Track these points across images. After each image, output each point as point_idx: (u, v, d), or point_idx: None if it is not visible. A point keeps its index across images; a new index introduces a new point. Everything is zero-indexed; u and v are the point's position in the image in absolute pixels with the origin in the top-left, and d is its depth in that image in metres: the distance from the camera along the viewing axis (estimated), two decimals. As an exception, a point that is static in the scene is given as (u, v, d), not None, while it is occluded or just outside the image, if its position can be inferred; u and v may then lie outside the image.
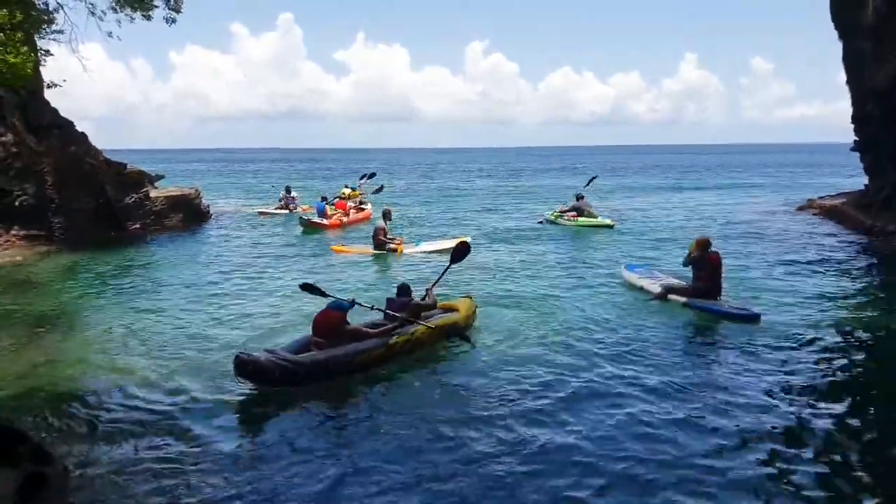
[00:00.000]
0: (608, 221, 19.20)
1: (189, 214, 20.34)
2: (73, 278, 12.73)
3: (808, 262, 13.32)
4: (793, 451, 5.31)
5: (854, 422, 5.93)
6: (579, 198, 20.05)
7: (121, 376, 7.06)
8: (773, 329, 8.51)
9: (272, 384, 6.44)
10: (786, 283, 11.41)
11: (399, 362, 7.32)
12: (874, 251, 14.73)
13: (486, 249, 15.66)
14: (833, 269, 12.76)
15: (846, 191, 23.08)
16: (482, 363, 7.40)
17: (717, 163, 77.29)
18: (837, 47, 19.03)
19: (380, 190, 26.36)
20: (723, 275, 9.78)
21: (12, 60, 12.22)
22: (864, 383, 7.08)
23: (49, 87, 18.39)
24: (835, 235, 17.15)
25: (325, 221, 19.84)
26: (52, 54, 18.69)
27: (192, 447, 5.40)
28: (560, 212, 20.16)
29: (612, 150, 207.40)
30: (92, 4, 17.70)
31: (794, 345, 7.96)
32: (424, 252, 14.98)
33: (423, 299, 8.38)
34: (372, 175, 27.83)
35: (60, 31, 17.98)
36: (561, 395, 6.43)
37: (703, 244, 9.79)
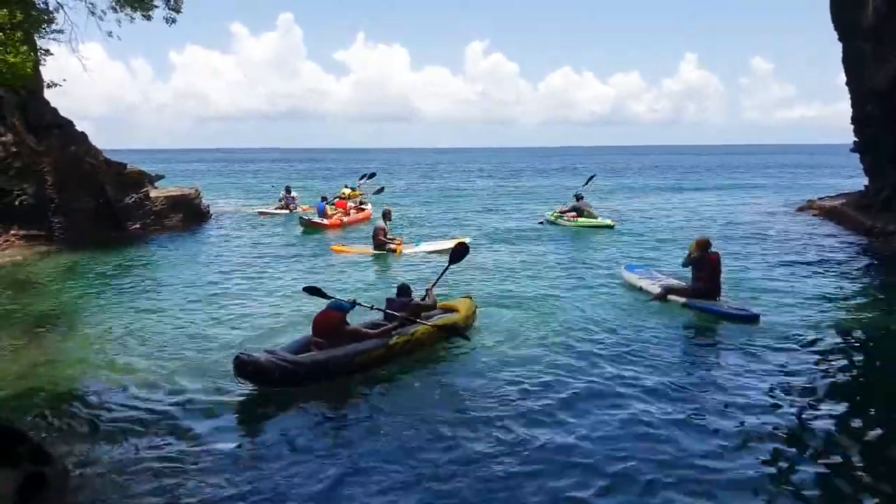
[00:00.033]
0: (608, 222, 19.20)
1: (189, 214, 20.34)
2: (73, 278, 12.73)
3: (808, 263, 13.32)
4: (792, 451, 5.32)
5: (854, 422, 5.93)
6: (579, 198, 20.06)
7: (121, 376, 7.06)
8: (773, 329, 8.51)
9: (272, 384, 6.44)
10: (786, 283, 11.41)
11: (399, 363, 7.32)
12: (874, 252, 14.73)
13: (487, 250, 15.67)
14: (833, 269, 12.76)
15: (846, 192, 23.08)
16: (482, 363, 7.40)
17: (717, 163, 77.30)
18: (837, 48, 19.05)
19: (381, 191, 26.38)
20: (722, 275, 9.79)
21: (12, 60, 12.22)
22: (864, 384, 7.09)
23: (49, 86, 18.40)
24: (835, 236, 17.15)
25: (325, 221, 19.85)
26: (51, 54, 18.72)
27: (192, 447, 5.40)
28: (560, 212, 20.17)
29: (611, 150, 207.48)
30: (92, 4, 17.74)
31: (793, 345, 7.96)
32: (424, 252, 14.98)
33: (422, 299, 8.38)
34: (372, 175, 27.83)
35: (60, 31, 18.01)
36: (561, 395, 6.44)
37: (703, 245, 9.80)
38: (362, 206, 22.94)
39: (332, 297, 7.48)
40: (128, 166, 19.08)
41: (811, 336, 8.29)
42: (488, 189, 38.93)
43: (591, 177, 23.94)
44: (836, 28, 18.90)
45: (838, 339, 8.30)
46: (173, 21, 19.03)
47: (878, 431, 5.65)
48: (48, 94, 18.34)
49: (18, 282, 12.40)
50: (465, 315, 8.50)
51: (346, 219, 20.85)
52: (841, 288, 11.26)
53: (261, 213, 23.92)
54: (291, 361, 6.56)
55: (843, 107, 19.53)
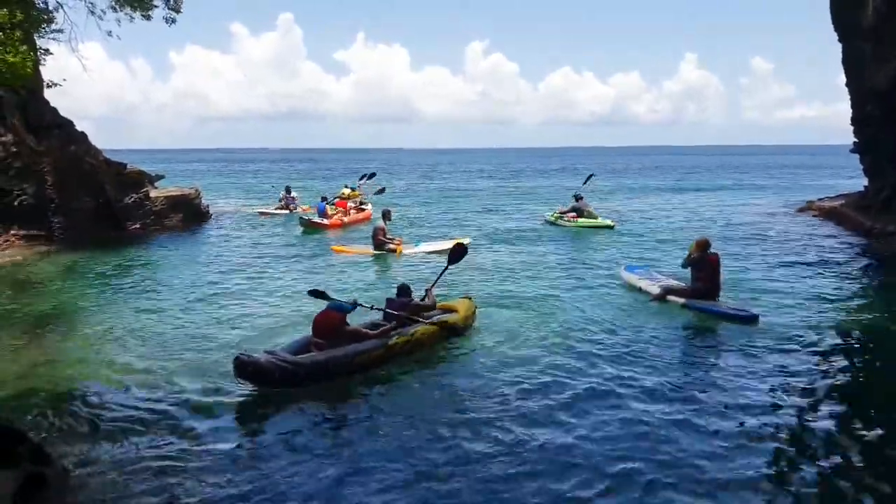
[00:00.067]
0: (608, 222, 19.20)
1: (189, 214, 20.34)
2: (73, 278, 12.73)
3: (808, 264, 13.32)
4: (792, 451, 5.33)
5: (854, 422, 5.93)
6: (578, 198, 20.06)
7: (121, 376, 7.07)
8: (773, 330, 8.51)
9: (272, 385, 6.45)
10: (785, 284, 11.41)
11: (398, 363, 7.32)
12: (874, 252, 14.72)
13: (486, 250, 15.67)
14: (832, 270, 12.77)
15: (846, 192, 23.09)
16: (482, 364, 7.40)
17: (716, 164, 77.32)
18: (837, 48, 19.04)
19: (382, 191, 26.39)
20: (722, 276, 9.79)
21: (12, 60, 12.21)
22: (864, 384, 7.09)
23: (49, 86, 18.39)
24: (834, 237, 17.15)
25: (325, 221, 19.85)
26: (51, 53, 18.71)
27: (192, 447, 5.41)
28: (560, 213, 20.17)
29: (611, 150, 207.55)
30: (91, 4, 17.74)
31: (793, 346, 7.96)
32: (424, 252, 14.99)
33: (422, 300, 8.39)
34: (371, 175, 27.82)
35: (60, 31, 18.00)
36: (560, 395, 6.44)
37: (703, 245, 9.80)
38: (363, 207, 22.94)
39: (334, 300, 7.47)
40: (128, 166, 19.08)
41: (811, 336, 8.29)
42: (488, 189, 38.93)
43: (590, 176, 23.91)
44: (836, 28, 18.90)
45: (838, 340, 8.30)
46: (173, 21, 19.04)
47: (878, 431, 5.66)
48: (48, 93, 18.36)
49: (18, 282, 12.40)
50: (465, 315, 8.51)
51: (346, 219, 20.86)
52: (841, 289, 11.26)
53: (261, 214, 23.92)
54: (291, 362, 6.57)
55: (843, 107, 19.55)
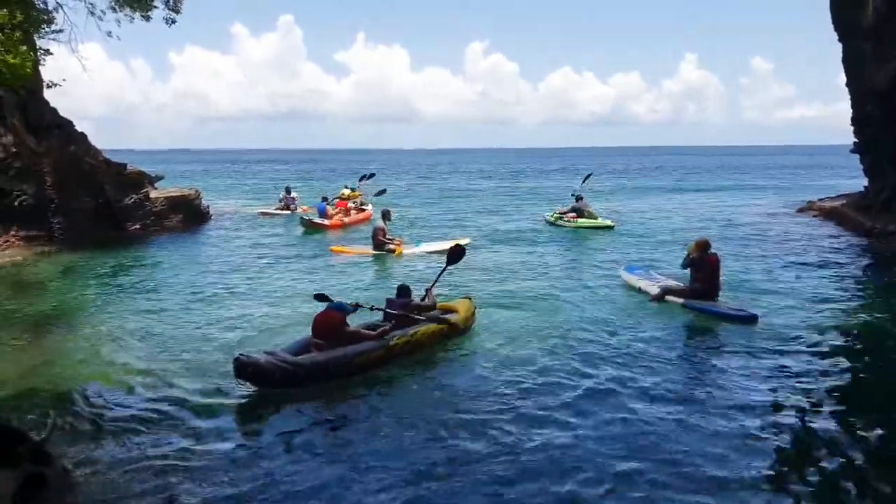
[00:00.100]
0: (608, 222, 19.20)
1: (189, 215, 20.34)
2: (73, 278, 12.73)
3: (808, 264, 13.32)
4: (792, 451, 5.33)
5: (854, 422, 5.92)
6: (578, 198, 20.07)
7: (121, 376, 7.07)
8: (773, 330, 8.51)
9: (272, 386, 6.44)
10: (785, 284, 11.41)
11: (398, 364, 7.32)
12: (874, 253, 14.73)
13: (487, 250, 15.66)
14: (832, 270, 12.77)
15: (846, 192, 23.09)
16: (481, 364, 7.40)
17: (717, 164, 77.33)
18: (837, 48, 19.05)
19: (382, 192, 26.42)
20: (721, 276, 9.79)
21: (11, 60, 12.22)
22: (864, 384, 7.08)
23: (49, 86, 18.40)
24: (835, 237, 17.15)
25: (325, 222, 19.86)
26: (51, 54, 18.74)
27: (192, 447, 5.40)
28: (560, 213, 20.17)
29: (611, 150, 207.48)
30: (91, 4, 17.73)
31: (793, 346, 7.95)
32: (424, 253, 14.99)
33: (422, 300, 8.39)
34: (371, 175, 27.81)
35: (60, 31, 18.01)
36: (560, 395, 6.44)
37: (703, 245, 9.80)
38: (363, 207, 22.95)
39: (339, 303, 7.46)
40: (128, 167, 19.09)
41: (811, 337, 8.28)
42: (488, 190, 38.95)
43: (588, 175, 23.93)
44: (836, 28, 18.91)
45: (838, 340, 8.30)
46: (173, 22, 19.02)
47: (878, 431, 5.66)
48: (48, 94, 18.37)
49: (18, 282, 12.40)
50: (465, 316, 8.51)
51: (346, 219, 20.87)
52: (841, 289, 11.26)
53: (261, 214, 23.93)
54: (291, 363, 6.56)
55: (843, 107, 19.55)
